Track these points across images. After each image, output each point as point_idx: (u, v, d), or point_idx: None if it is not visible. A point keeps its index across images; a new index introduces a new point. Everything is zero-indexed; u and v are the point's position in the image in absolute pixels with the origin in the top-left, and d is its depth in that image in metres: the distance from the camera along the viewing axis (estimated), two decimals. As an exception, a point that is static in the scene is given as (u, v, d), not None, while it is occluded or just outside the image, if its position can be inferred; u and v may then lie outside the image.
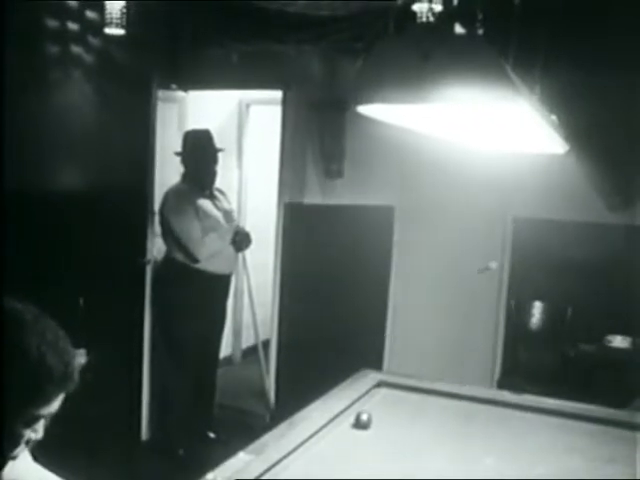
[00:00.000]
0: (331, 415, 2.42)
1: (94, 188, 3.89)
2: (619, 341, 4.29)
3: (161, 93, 4.37)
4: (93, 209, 3.86)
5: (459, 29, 1.82)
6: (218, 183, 4.32)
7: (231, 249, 4.23)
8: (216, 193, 4.27)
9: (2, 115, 3.08)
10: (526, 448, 2.34)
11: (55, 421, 1.27)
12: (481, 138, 2.53)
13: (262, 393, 4.98)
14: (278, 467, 2.03)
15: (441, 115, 1.91)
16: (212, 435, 4.37)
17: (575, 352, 4.32)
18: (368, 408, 2.49)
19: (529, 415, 2.64)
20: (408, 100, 1.59)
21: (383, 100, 1.64)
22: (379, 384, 2.81)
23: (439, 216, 4.77)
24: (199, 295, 4.08)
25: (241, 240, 4.26)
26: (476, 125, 2.09)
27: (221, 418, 4.55)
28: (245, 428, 4.11)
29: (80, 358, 3.32)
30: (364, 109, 1.75)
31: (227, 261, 4.25)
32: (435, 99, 1.53)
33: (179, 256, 4.09)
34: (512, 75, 1.59)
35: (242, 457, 2.08)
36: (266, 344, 5.09)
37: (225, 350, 5.71)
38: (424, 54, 1.50)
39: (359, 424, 2.37)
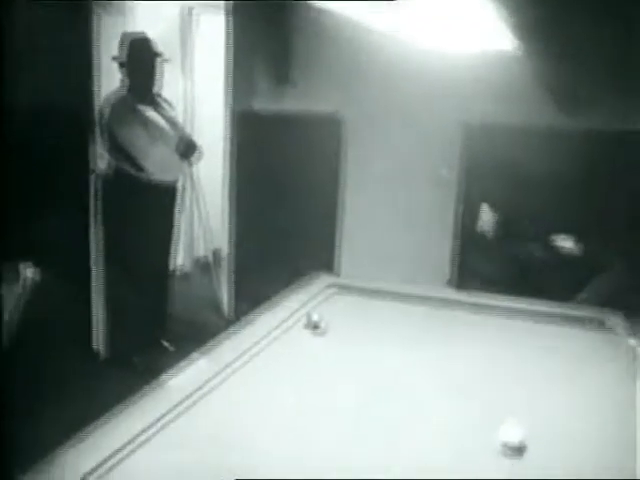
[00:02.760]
0: (282, 317, 2.44)
1: (33, 102, 3.78)
2: (564, 240, 4.39)
3: (101, 3, 4.19)
4: (35, 122, 3.76)
5: None
6: (164, 92, 4.20)
7: (177, 158, 4.15)
8: (160, 101, 4.16)
9: None
10: (491, 350, 2.35)
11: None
12: (437, 37, 2.48)
13: (216, 303, 5.02)
14: (230, 367, 2.05)
15: (396, 11, 1.86)
16: (167, 344, 4.39)
17: (524, 254, 4.41)
18: (319, 309, 2.52)
19: (486, 315, 2.66)
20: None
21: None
22: (330, 286, 2.83)
23: (390, 122, 4.72)
24: (146, 204, 4.01)
25: (186, 146, 4.18)
26: (423, 19, 2.04)
27: (176, 328, 4.57)
28: (200, 337, 4.12)
29: (32, 275, 3.29)
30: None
31: (174, 170, 4.19)
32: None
33: (125, 166, 4.00)
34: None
35: (195, 358, 2.10)
36: (219, 254, 5.10)
37: (178, 261, 5.71)
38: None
39: (310, 324, 2.40)
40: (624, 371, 2.08)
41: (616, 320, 2.49)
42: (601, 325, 2.49)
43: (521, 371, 2.15)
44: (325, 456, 1.62)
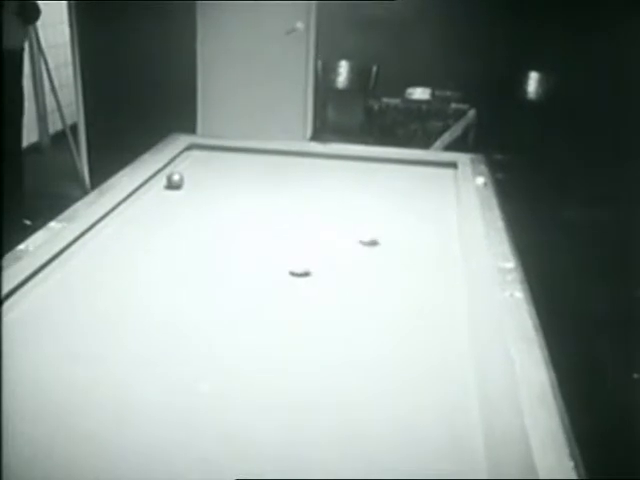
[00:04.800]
0: (142, 179, 2.41)
1: None
2: (419, 93, 4.51)
3: None
4: None
5: None
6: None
7: (18, 21, 3.84)
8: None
9: None
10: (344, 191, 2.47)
11: None
12: None
13: (76, 176, 4.86)
14: (91, 232, 2.03)
15: None
16: (28, 222, 4.24)
17: (379, 106, 4.51)
18: (179, 169, 2.50)
19: (341, 163, 2.75)
20: None
21: None
22: (189, 147, 2.80)
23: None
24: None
25: (29, 11, 3.87)
26: None
27: (36, 205, 4.40)
28: (62, 211, 4.01)
29: None
30: None
31: (14, 35, 3.87)
32: None
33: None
34: None
35: (53, 226, 2.06)
36: (74, 127, 4.89)
37: (32, 137, 5.44)
38: None
39: (171, 184, 2.39)
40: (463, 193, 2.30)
41: (465, 160, 2.65)
42: (452, 166, 2.64)
43: (371, 204, 2.29)
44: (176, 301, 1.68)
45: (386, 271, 1.87)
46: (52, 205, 4.51)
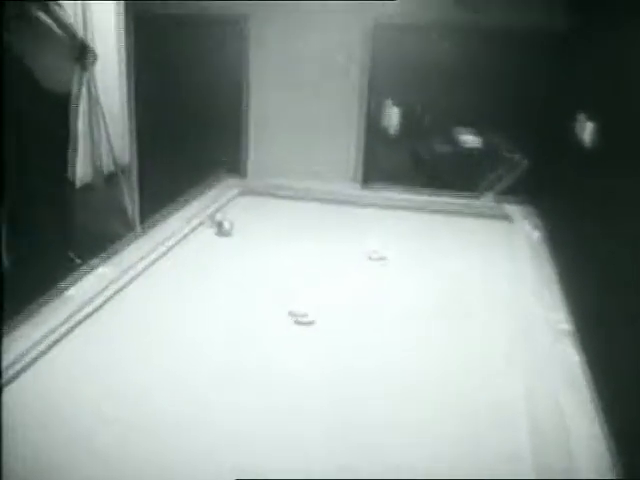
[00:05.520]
0: (191, 224, 2.41)
1: None
2: (470, 139, 4.46)
3: None
4: None
5: None
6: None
7: (73, 65, 3.94)
8: (50, 5, 3.90)
9: None
10: (406, 241, 2.43)
11: None
12: None
13: (126, 216, 4.91)
14: (139, 279, 2.03)
15: None
16: (75, 258, 4.29)
17: (429, 151, 4.47)
18: (229, 215, 2.50)
19: (391, 211, 2.73)
20: None
21: None
22: (239, 191, 2.81)
23: (297, 21, 4.62)
24: (37, 111, 3.80)
25: (84, 55, 3.97)
26: None
27: (84, 241, 4.46)
28: (109, 249, 4.04)
29: None
30: None
31: (68, 78, 3.96)
32: None
33: (14, 68, 3.76)
34: None
35: (101, 272, 2.06)
36: (126, 167, 4.96)
37: (86, 177, 5.54)
38: None
39: (220, 231, 2.39)
40: (517, 249, 2.22)
41: (513, 208, 2.59)
42: (501, 214, 2.59)
43: (422, 255, 2.24)
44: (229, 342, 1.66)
45: (441, 323, 1.82)
46: (100, 242, 4.60)
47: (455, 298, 1.98)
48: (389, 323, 1.78)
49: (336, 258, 2.25)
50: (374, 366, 1.61)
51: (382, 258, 2.14)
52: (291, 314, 1.77)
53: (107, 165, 5.91)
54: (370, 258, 2.14)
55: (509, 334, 1.71)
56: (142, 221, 4.61)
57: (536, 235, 2.30)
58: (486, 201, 2.94)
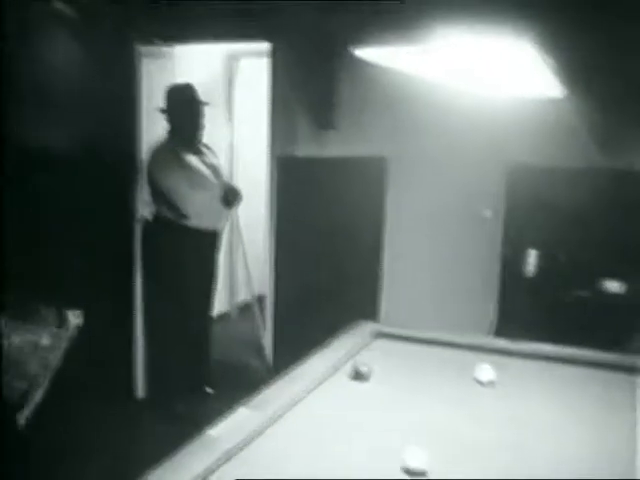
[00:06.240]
0: (329, 368, 2.41)
1: (79, 148, 3.91)
2: (613, 286, 4.30)
3: (146, 49, 4.30)
4: (80, 169, 3.86)
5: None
6: (207, 139, 4.26)
7: (220, 205, 4.17)
8: (202, 148, 4.20)
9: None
10: (527, 394, 2.35)
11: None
12: (479, 81, 2.49)
13: (259, 348, 5.00)
14: (278, 421, 2.03)
15: (437, 57, 1.87)
16: (209, 390, 4.38)
17: (570, 298, 4.33)
18: (366, 360, 2.49)
19: (527, 362, 2.65)
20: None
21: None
22: (375, 335, 2.80)
23: (432, 165, 4.71)
24: (187, 251, 4.02)
25: (231, 196, 4.21)
26: (474, 68, 2.05)
27: (218, 373, 4.56)
28: (243, 383, 4.12)
29: (76, 319, 3.32)
30: (362, 52, 1.71)
31: (216, 217, 4.19)
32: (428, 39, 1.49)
33: (168, 213, 4.03)
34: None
35: (242, 412, 2.08)
36: (262, 299, 5.10)
37: (221, 307, 5.73)
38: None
39: (357, 376, 2.37)
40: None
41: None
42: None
43: (565, 420, 2.11)
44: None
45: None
46: (234, 374, 4.70)
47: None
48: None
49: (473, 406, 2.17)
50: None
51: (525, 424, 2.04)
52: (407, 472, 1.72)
53: (243, 297, 6.10)
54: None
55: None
56: (275, 354, 4.69)
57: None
58: (634, 357, 2.77)
